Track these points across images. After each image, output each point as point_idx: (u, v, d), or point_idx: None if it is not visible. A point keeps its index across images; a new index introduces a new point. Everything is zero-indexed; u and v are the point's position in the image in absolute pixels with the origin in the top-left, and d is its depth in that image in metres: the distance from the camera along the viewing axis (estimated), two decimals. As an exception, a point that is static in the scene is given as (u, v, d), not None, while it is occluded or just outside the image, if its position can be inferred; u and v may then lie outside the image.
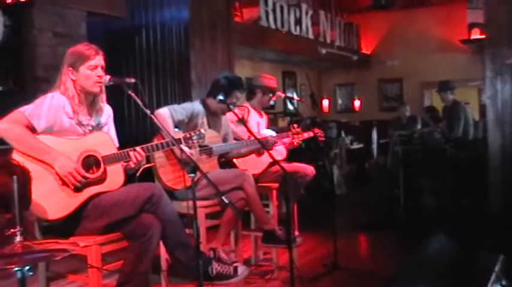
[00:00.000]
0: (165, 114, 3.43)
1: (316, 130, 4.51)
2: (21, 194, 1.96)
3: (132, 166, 2.77)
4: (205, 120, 3.68)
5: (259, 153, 4.19)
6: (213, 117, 3.78)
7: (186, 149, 3.07)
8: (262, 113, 4.52)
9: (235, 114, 3.65)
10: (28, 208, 2.29)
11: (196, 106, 3.69)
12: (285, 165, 3.80)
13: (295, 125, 4.35)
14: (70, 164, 2.54)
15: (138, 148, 2.74)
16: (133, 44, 5.81)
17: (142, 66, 5.78)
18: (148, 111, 2.69)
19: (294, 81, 10.36)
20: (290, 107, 9.22)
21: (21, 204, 1.93)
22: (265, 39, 7.79)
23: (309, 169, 4.24)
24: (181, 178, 3.38)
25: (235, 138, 4.03)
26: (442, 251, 2.65)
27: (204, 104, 3.74)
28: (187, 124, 3.57)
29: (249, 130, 3.36)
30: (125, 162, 2.75)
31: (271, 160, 3.52)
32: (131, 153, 2.72)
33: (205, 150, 3.66)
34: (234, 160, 4.06)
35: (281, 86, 9.65)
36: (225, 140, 3.90)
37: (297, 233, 4.28)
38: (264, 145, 3.69)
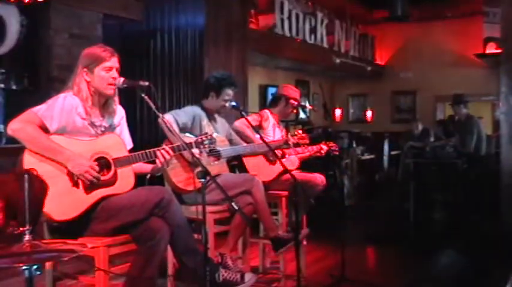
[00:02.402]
0: (170, 120, 3.44)
1: (331, 144, 4.54)
2: (34, 205, 1.96)
3: (160, 165, 2.78)
4: (206, 122, 3.70)
5: (271, 161, 4.21)
6: (212, 118, 3.80)
7: (196, 152, 3.08)
8: (281, 123, 4.56)
9: (248, 121, 3.67)
10: (38, 221, 2.29)
11: (196, 109, 3.70)
12: (295, 174, 3.80)
13: (299, 131, 4.37)
14: (85, 163, 2.55)
15: (166, 147, 2.78)
16: (148, 47, 5.83)
17: (156, 70, 5.79)
18: (160, 115, 2.72)
19: (307, 90, 10.35)
20: (302, 115, 9.19)
21: (32, 213, 1.93)
22: (280, 47, 7.79)
23: (320, 179, 4.24)
24: (192, 179, 3.39)
25: (243, 140, 4.05)
26: (451, 267, 2.62)
27: (202, 107, 3.76)
28: (191, 127, 3.58)
29: (261, 138, 3.38)
30: (149, 162, 2.78)
31: (282, 169, 3.52)
32: (158, 152, 2.74)
33: (214, 153, 3.67)
34: (245, 164, 4.08)
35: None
36: (230, 142, 3.91)
37: (304, 242, 4.27)
38: (275, 152, 3.70)
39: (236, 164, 4.08)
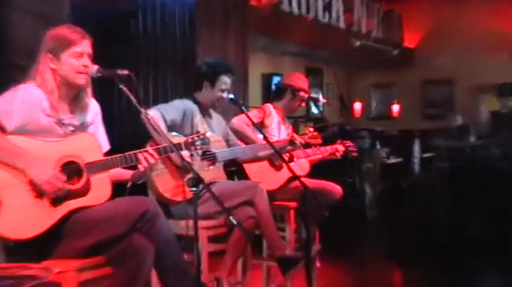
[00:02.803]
0: (156, 116, 3.46)
1: (348, 143, 4.57)
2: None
3: (142, 171, 2.80)
4: (200, 118, 3.73)
5: (276, 166, 4.21)
6: (207, 114, 3.84)
7: (185, 154, 3.09)
8: (286, 120, 4.61)
9: (248, 118, 3.68)
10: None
11: (187, 103, 3.74)
12: (306, 181, 3.80)
13: (311, 129, 4.41)
14: (47, 171, 2.54)
15: (150, 149, 2.80)
16: (128, 29, 5.82)
17: (138, 56, 5.78)
18: (142, 111, 2.71)
19: (319, 79, 10.36)
20: (314, 110, 9.20)
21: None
22: (287, 28, 7.80)
23: (335, 187, 4.28)
24: (181, 188, 3.44)
25: (243, 141, 4.09)
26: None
27: (194, 101, 3.80)
28: (180, 125, 3.62)
29: (266, 138, 3.39)
30: (129, 168, 2.80)
31: (290, 175, 3.52)
32: (140, 155, 2.76)
33: (209, 156, 3.69)
34: (246, 169, 4.11)
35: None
36: (227, 143, 3.95)
37: (317, 263, 4.27)
38: (279, 152, 3.72)
39: (235, 169, 4.09)
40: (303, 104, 4.73)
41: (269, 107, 4.49)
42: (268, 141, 3.52)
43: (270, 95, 4.88)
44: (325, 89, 10.49)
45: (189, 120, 3.66)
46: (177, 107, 3.66)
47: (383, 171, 8.67)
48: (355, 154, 4.61)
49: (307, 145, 4.33)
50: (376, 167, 8.51)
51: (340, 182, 4.41)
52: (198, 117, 3.71)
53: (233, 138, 4.04)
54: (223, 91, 3.76)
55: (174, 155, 3.33)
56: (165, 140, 2.84)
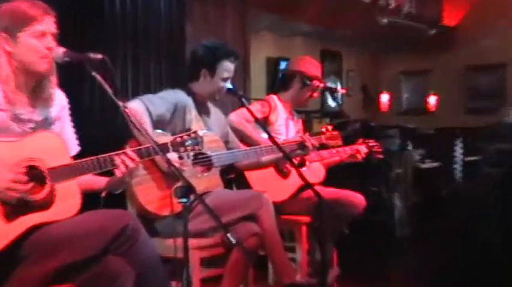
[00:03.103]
0: (139, 109, 3.47)
1: (372, 143, 4.63)
2: None
3: (120, 178, 2.82)
4: (195, 114, 3.78)
5: (284, 173, 4.23)
6: (204, 110, 3.89)
7: (173, 158, 3.13)
8: (295, 114, 4.67)
9: (250, 113, 3.69)
10: None
11: (180, 96, 3.79)
12: (321, 190, 3.81)
13: (329, 127, 4.44)
14: (5, 175, 2.53)
15: (129, 151, 2.82)
16: (102, 5, 5.83)
17: (115, 38, 5.77)
18: (120, 104, 2.71)
19: (337, 65, 10.38)
20: (331, 103, 9.22)
21: None
22: (297, 3, 7.80)
23: (357, 198, 4.33)
24: (168, 199, 3.46)
25: (243, 142, 4.15)
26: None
27: (189, 92, 3.84)
28: (170, 121, 3.65)
29: (272, 138, 3.40)
30: (103, 174, 2.83)
31: (301, 183, 3.53)
32: (117, 159, 2.77)
33: (202, 160, 3.72)
34: (248, 177, 4.17)
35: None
36: (226, 144, 3.99)
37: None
38: (289, 155, 3.76)
39: (234, 177, 4.11)
40: (315, 95, 4.75)
41: (274, 99, 4.51)
42: (274, 142, 3.52)
43: (275, 84, 4.91)
44: (344, 77, 10.50)
45: (181, 116, 3.70)
46: (166, 100, 3.70)
47: (416, 178, 8.64)
48: (380, 156, 4.64)
49: (322, 147, 4.34)
50: (407, 173, 8.47)
51: (363, 191, 4.42)
52: (193, 113, 3.76)
53: (234, 139, 4.09)
54: (226, 80, 3.81)
55: (159, 159, 3.36)
56: (148, 140, 2.83)
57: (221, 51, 3.84)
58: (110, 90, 2.67)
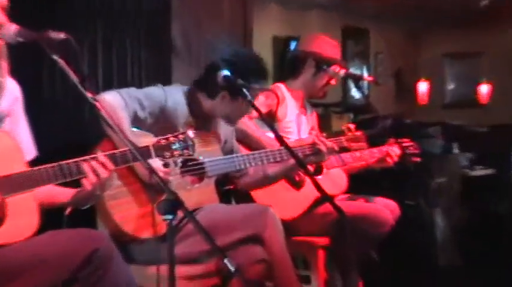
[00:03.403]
0: (115, 103, 3.50)
1: (407, 143, 4.68)
2: None
3: (89, 190, 2.83)
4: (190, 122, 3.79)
5: (296, 183, 4.25)
6: (204, 118, 3.92)
7: (157, 165, 3.15)
8: (308, 106, 4.71)
9: (258, 111, 3.72)
10: None
11: (174, 96, 3.81)
12: (343, 203, 3.83)
13: (350, 126, 4.47)
14: None
15: (101, 156, 2.82)
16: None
17: (85, 15, 5.80)
18: (88, 95, 2.72)
19: (363, 46, 10.38)
20: (355, 94, 9.22)
21: None
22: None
23: (388, 213, 4.35)
24: (149, 217, 3.50)
25: (245, 145, 4.20)
26: None
27: (190, 97, 3.87)
28: (152, 126, 3.66)
29: (280, 138, 3.42)
30: (68, 185, 2.83)
31: (317, 195, 3.56)
32: (86, 166, 2.78)
33: (193, 168, 3.76)
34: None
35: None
36: (226, 151, 4.02)
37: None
38: (302, 161, 3.77)
39: (232, 188, 4.14)
40: (333, 83, 4.75)
41: (282, 88, 4.52)
42: (284, 144, 3.54)
43: (283, 70, 4.92)
44: (372, 61, 10.55)
45: (170, 121, 3.73)
46: (152, 98, 3.72)
47: (464, 189, 8.61)
48: (417, 160, 4.67)
49: (344, 149, 4.37)
50: (453, 182, 8.41)
51: (400, 204, 4.45)
52: (186, 120, 3.79)
53: (235, 146, 4.14)
54: (250, 109, 3.88)
55: (139, 166, 3.40)
56: (125, 142, 2.83)
57: (251, 70, 3.87)
58: (75, 78, 2.67)
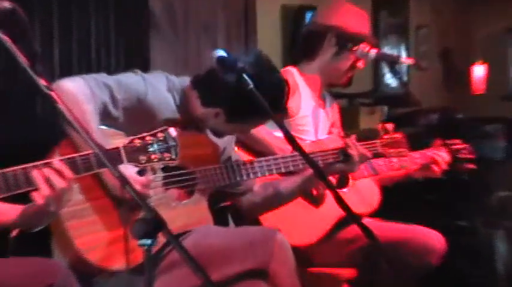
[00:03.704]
0: (78, 92, 3.45)
1: (456, 144, 4.75)
2: None
3: (40, 203, 2.84)
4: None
5: (313, 198, 4.23)
6: (196, 121, 3.93)
7: (130, 173, 3.15)
8: (328, 97, 4.76)
9: (255, 97, 3.67)
10: None
11: (156, 86, 3.87)
12: (374, 225, 3.78)
13: (388, 126, 4.50)
14: None
15: (57, 161, 2.85)
16: None
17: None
18: (41, 83, 2.68)
19: (400, 18, 10.39)
20: (391, 81, 9.21)
21: None
22: None
23: (434, 238, 4.37)
24: (121, 242, 3.46)
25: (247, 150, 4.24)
26: None
27: (185, 94, 3.96)
28: (127, 124, 3.69)
29: (289, 139, 3.37)
30: (14, 200, 2.90)
31: (341, 214, 3.52)
32: (36, 173, 2.80)
33: (179, 179, 3.76)
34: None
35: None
36: (222, 160, 4.11)
37: None
38: (322, 171, 3.77)
39: (229, 205, 4.16)
40: (360, 65, 4.71)
41: (294, 74, 4.50)
42: (298, 149, 3.49)
43: (296, 49, 4.89)
44: (413, 38, 10.55)
45: (152, 118, 3.74)
46: (127, 88, 3.74)
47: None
48: (472, 167, 4.62)
49: (377, 154, 4.34)
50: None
51: (444, 227, 4.41)
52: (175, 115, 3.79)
53: (232, 149, 4.18)
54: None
55: (107, 175, 3.37)
56: (89, 142, 2.79)
57: (277, 88, 3.90)
58: (23, 60, 2.66)
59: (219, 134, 3.98)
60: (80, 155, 2.90)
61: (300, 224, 4.21)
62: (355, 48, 4.55)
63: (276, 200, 4.14)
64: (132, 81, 3.77)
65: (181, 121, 3.73)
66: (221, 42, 5.22)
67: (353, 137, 4.24)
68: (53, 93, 2.73)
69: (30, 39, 2.72)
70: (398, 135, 4.38)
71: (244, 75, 3.65)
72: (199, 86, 3.89)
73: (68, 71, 5.11)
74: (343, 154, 4.15)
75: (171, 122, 3.34)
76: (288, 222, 4.10)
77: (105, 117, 3.62)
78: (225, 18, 5.63)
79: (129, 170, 3.09)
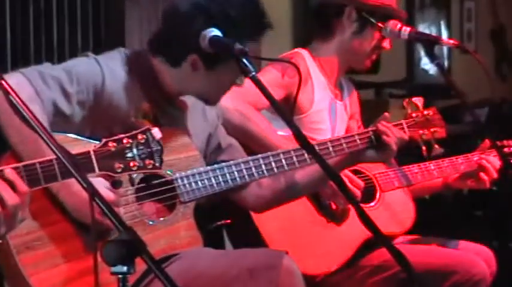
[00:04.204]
0: (19, 91, 3.45)
1: (510, 145, 4.78)
2: None
3: None
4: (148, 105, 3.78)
5: (333, 216, 4.25)
6: (166, 102, 3.98)
7: (101, 186, 3.22)
8: (346, 84, 4.80)
9: (262, 89, 3.69)
10: None
11: (114, 69, 3.85)
12: (408, 249, 3.79)
13: (415, 100, 4.54)
14: None
15: (8, 171, 2.86)
16: None
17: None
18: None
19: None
20: (427, 68, 9.22)
21: None
22: None
23: (482, 265, 4.38)
24: (88, 276, 3.46)
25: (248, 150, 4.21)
26: None
27: (142, 68, 3.92)
28: (84, 123, 3.71)
29: (293, 128, 3.40)
30: None
31: (366, 235, 3.54)
32: None
33: (157, 190, 3.83)
34: (256, 220, 4.25)
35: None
36: (210, 151, 4.09)
37: None
38: (340, 177, 3.78)
39: (229, 222, 4.11)
40: (386, 45, 4.72)
41: (305, 58, 4.50)
42: (311, 150, 3.51)
43: (308, 27, 4.90)
44: (455, 13, 10.58)
45: (112, 109, 3.76)
46: (81, 77, 3.73)
47: None
48: None
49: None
50: None
51: (492, 249, 4.44)
52: (144, 105, 3.75)
53: (221, 134, 4.17)
54: (239, 79, 3.88)
55: (65, 195, 3.48)
56: (50, 145, 2.82)
57: (249, 18, 3.88)
58: None
59: (206, 99, 3.99)
60: (39, 162, 2.90)
61: (316, 247, 4.21)
62: (380, 25, 4.58)
63: (290, 193, 4.14)
64: (84, 68, 3.79)
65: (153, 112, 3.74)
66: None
67: (386, 115, 4.21)
68: (3, 83, 2.80)
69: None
70: (430, 112, 4.37)
71: (245, 60, 3.69)
72: (161, 48, 3.93)
73: (23, 53, 5.13)
74: (376, 140, 4.14)
75: (143, 113, 3.34)
76: (301, 244, 4.09)
77: (58, 118, 3.64)
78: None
79: (100, 183, 3.10)
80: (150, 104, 3.76)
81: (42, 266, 3.51)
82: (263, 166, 4.03)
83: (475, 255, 4.41)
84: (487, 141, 4.67)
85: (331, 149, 4.02)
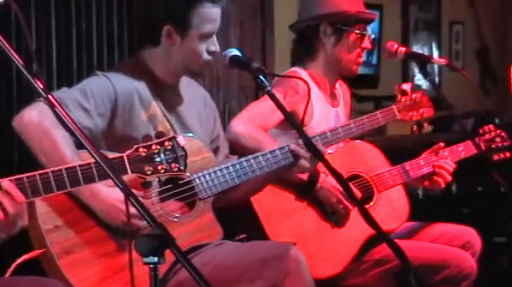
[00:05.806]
0: (43, 120, 3.51)
1: (489, 131, 4.85)
2: None
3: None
4: (154, 105, 3.86)
5: (334, 219, 4.26)
6: (169, 95, 3.96)
7: (119, 196, 3.24)
8: (339, 89, 4.83)
9: (279, 106, 3.68)
10: None
11: (120, 77, 3.85)
12: (406, 245, 3.76)
13: (404, 86, 4.61)
14: None
15: (5, 183, 2.80)
16: None
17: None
18: (40, 88, 2.67)
19: (432, 13, 10.39)
20: (421, 83, 9.21)
21: None
22: None
23: (469, 259, 4.43)
24: (122, 273, 3.51)
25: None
26: None
27: (140, 68, 3.93)
28: (108, 132, 3.75)
29: (304, 137, 3.38)
30: None
31: (369, 233, 3.58)
32: None
33: (178, 190, 3.78)
34: (261, 216, 4.27)
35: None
36: (216, 151, 4.11)
37: None
38: (344, 179, 3.75)
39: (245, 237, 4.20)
40: (366, 45, 4.75)
41: (302, 75, 4.56)
42: (320, 158, 3.49)
43: (295, 49, 4.96)
44: (445, 35, 10.55)
45: (128, 119, 3.77)
46: (99, 91, 3.74)
47: None
48: (509, 155, 4.81)
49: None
50: None
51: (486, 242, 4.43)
52: (152, 105, 3.83)
53: (225, 144, 4.20)
54: (208, 37, 3.85)
55: (95, 204, 3.48)
56: (91, 152, 2.79)
57: None
58: (18, 61, 2.66)
59: (189, 70, 3.96)
60: (79, 165, 2.91)
61: (323, 252, 4.22)
62: (352, 29, 4.62)
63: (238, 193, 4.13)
64: (96, 85, 3.79)
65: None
66: (234, 38, 5.20)
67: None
68: (49, 97, 2.74)
69: (26, 36, 2.71)
70: (418, 95, 4.39)
71: (261, 77, 3.67)
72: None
73: (67, 72, 5.11)
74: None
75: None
76: (310, 252, 4.08)
77: (86, 134, 3.56)
78: (239, 9, 5.61)
79: (116, 193, 3.13)
80: (156, 100, 3.85)
81: (80, 267, 3.54)
82: (271, 159, 4.03)
83: (464, 251, 4.46)
84: (441, 144, 4.69)
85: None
